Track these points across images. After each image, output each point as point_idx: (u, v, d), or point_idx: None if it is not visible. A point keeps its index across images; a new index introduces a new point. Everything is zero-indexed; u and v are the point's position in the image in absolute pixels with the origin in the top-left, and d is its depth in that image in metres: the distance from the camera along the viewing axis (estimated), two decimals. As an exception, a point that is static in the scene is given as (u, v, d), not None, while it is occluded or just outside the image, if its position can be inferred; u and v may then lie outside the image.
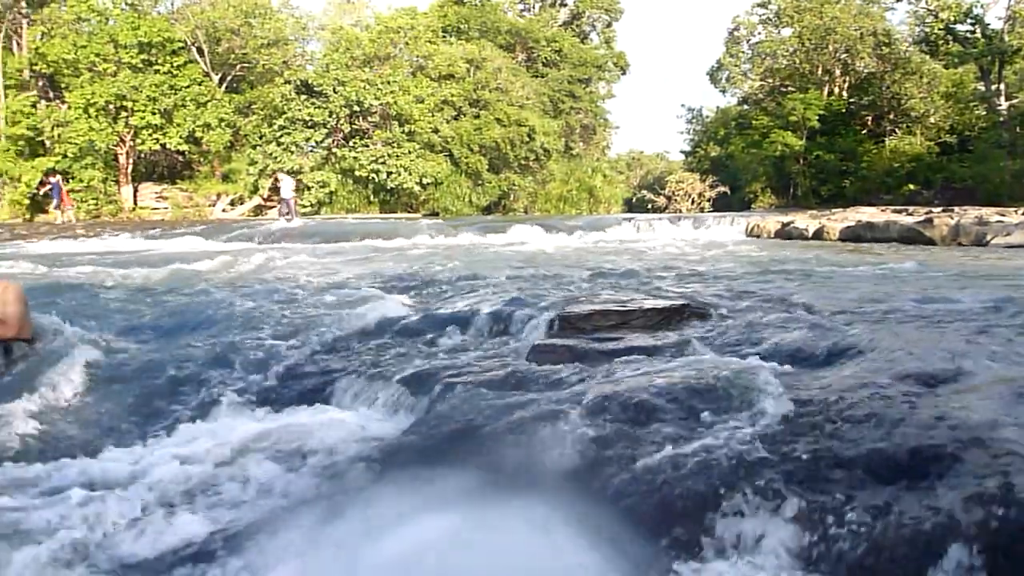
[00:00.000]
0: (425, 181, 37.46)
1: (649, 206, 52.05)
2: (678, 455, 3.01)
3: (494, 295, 7.45)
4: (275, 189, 32.98)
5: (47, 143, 34.89)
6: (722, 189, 49.28)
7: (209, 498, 3.62)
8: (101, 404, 5.16)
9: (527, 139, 42.12)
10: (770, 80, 51.41)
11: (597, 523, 2.79)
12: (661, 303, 5.87)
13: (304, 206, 36.29)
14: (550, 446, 3.32)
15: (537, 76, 48.69)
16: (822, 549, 2.44)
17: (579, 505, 2.93)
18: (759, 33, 52.38)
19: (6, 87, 34.86)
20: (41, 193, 33.06)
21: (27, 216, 32.96)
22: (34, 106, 35.07)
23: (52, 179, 32.33)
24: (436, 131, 38.57)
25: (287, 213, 26.57)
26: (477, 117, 41.39)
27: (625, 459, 3.07)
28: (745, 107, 53.93)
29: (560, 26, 53.46)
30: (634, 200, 58.81)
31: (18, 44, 37.08)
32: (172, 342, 6.56)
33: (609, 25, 55.39)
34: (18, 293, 5.99)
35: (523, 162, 43.07)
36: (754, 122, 47.87)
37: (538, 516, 2.94)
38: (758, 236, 20.30)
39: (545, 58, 49.85)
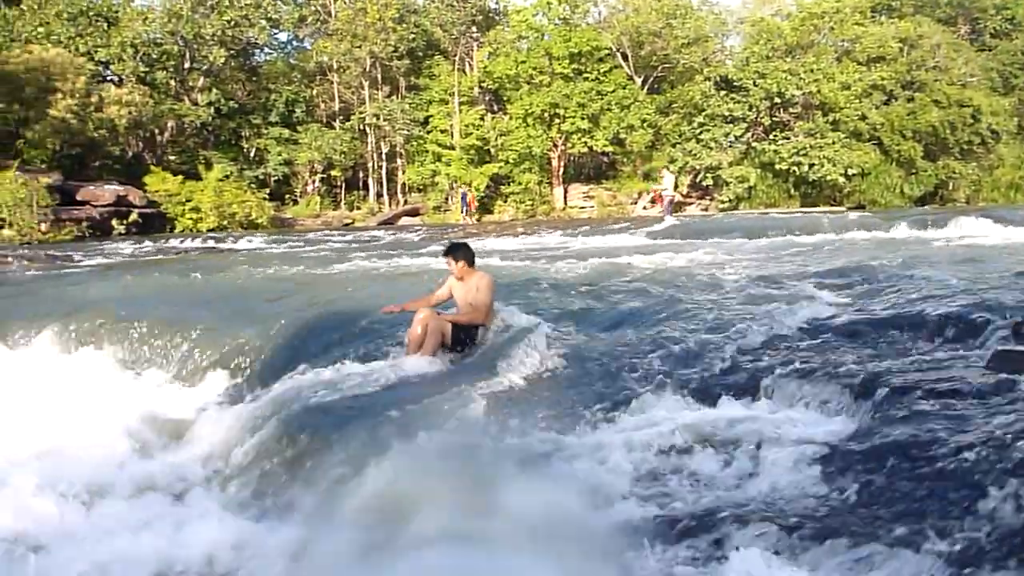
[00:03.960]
0: (851, 172, 36.19)
1: None
2: None
3: (938, 295, 7.16)
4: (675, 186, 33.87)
5: (492, 151, 39.81)
6: None
7: (652, 485, 3.95)
8: (551, 386, 5.80)
9: (970, 121, 38.62)
10: None
11: None
12: None
13: (722, 202, 37.16)
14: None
15: (984, 49, 44.31)
16: None
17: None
18: None
19: (460, 104, 40.28)
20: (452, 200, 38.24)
21: (476, 217, 37.91)
22: (481, 119, 40.35)
23: (462, 190, 37.60)
24: (864, 118, 37.03)
25: (665, 210, 27.17)
26: (911, 100, 38.96)
27: None
28: None
29: (1013, -11, 47.78)
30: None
31: (469, 65, 42.83)
32: (609, 331, 7.29)
33: (1079, -20, 48.16)
34: (490, 285, 7.11)
35: (965, 147, 39.53)
36: None
37: None
38: None
39: (994, 28, 45.16)
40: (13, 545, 4.52)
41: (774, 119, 37.79)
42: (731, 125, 37.07)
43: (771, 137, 37.34)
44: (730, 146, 37.56)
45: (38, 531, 4.71)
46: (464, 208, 37.41)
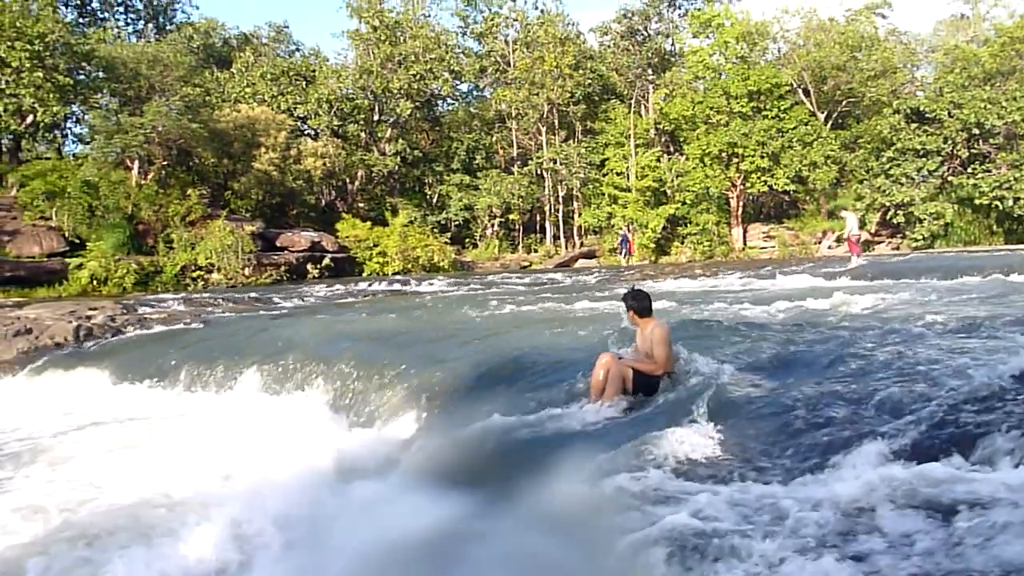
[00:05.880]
0: (1063, 205, 33.11)
1: None
2: None
3: None
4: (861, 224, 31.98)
5: (668, 192, 39.53)
6: None
7: (847, 545, 3.70)
8: (735, 437, 5.55)
9: None
10: None
11: None
12: None
13: (915, 240, 35.05)
14: None
15: None
16: None
17: None
18: None
19: (636, 146, 40.30)
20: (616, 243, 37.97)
21: (653, 259, 37.61)
22: (658, 160, 40.16)
23: (621, 232, 37.43)
24: (1077, 148, 33.95)
25: (855, 251, 25.56)
26: None
27: None
28: None
29: None
30: None
31: (645, 108, 42.90)
32: (795, 380, 6.85)
33: None
34: (664, 336, 7.01)
35: None
36: None
37: None
38: None
39: None
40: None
41: (972, 151, 35.32)
42: (924, 159, 34.98)
43: (969, 170, 34.90)
44: (923, 181, 35.34)
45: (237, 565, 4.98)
46: (623, 250, 37.06)
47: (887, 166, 35.75)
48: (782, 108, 37.96)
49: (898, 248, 36.08)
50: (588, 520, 4.38)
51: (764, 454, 5.18)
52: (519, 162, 43.46)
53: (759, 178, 37.34)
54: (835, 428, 5.34)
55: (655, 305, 7.36)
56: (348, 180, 41.39)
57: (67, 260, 26.26)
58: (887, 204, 35.60)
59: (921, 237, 35.01)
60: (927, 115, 35.09)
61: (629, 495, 4.50)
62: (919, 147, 34.86)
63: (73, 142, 39.76)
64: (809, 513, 4.07)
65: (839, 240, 28.97)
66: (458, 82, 46.30)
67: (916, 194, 34.86)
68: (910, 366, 6.68)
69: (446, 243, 38.00)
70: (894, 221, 35.96)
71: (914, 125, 35.31)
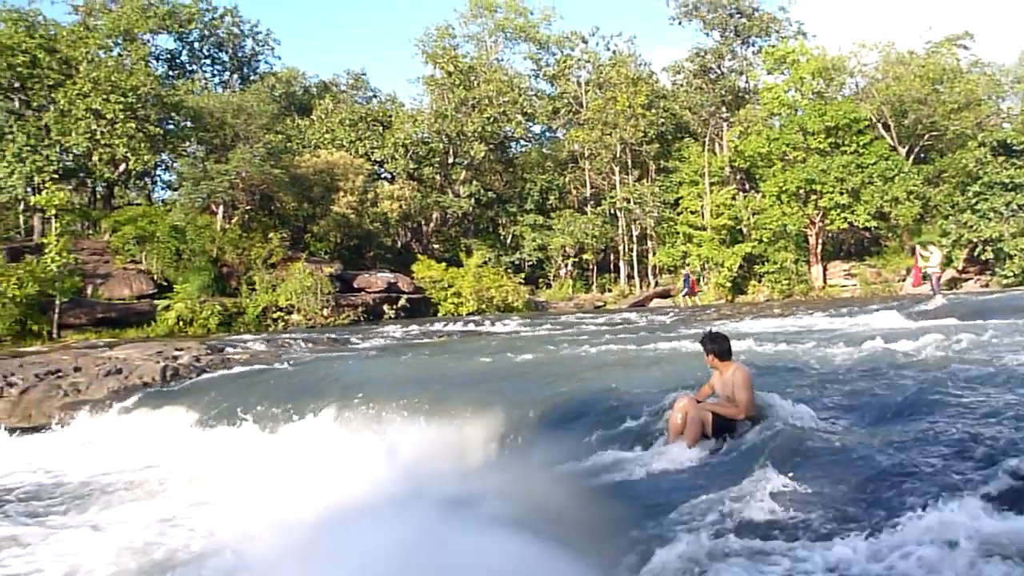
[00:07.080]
0: None
1: None
2: None
3: None
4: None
5: (744, 230, 39.08)
6: None
7: None
8: (818, 487, 5.33)
9: None
10: None
11: None
12: None
13: (1005, 276, 33.78)
14: None
15: None
16: None
17: None
18: None
19: (711, 184, 40.02)
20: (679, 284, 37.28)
21: (729, 297, 37.09)
22: (733, 198, 39.80)
23: (684, 271, 37.11)
24: None
25: (935, 288, 24.59)
26: None
27: None
28: None
29: None
30: None
31: (719, 145, 42.63)
32: (880, 425, 6.66)
33: None
34: (746, 379, 6.88)
35: None
36: None
37: None
38: None
39: None
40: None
41: (1065, 184, 34.09)
42: (1012, 193, 33.81)
43: (1063, 204, 33.65)
44: (1012, 216, 34.12)
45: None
46: (687, 290, 36.33)
47: (974, 201, 34.68)
48: (861, 143, 37.32)
49: (987, 285, 34.83)
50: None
51: (847, 503, 4.98)
52: (592, 202, 43.54)
53: (839, 215, 36.64)
54: (923, 476, 5.13)
55: (733, 346, 7.24)
56: (423, 222, 42.06)
57: (155, 302, 27.18)
58: (974, 240, 34.48)
59: (1012, 274, 33.76)
60: (1015, 148, 34.04)
61: (707, 550, 4.41)
62: (1007, 180, 33.77)
63: (162, 188, 41.56)
64: (899, 566, 3.96)
65: (925, 276, 28.15)
66: (531, 124, 46.81)
67: (1005, 229, 33.70)
68: (1002, 411, 6.46)
69: (520, 283, 38.00)
70: (982, 257, 34.78)
71: (1001, 158, 34.27)
